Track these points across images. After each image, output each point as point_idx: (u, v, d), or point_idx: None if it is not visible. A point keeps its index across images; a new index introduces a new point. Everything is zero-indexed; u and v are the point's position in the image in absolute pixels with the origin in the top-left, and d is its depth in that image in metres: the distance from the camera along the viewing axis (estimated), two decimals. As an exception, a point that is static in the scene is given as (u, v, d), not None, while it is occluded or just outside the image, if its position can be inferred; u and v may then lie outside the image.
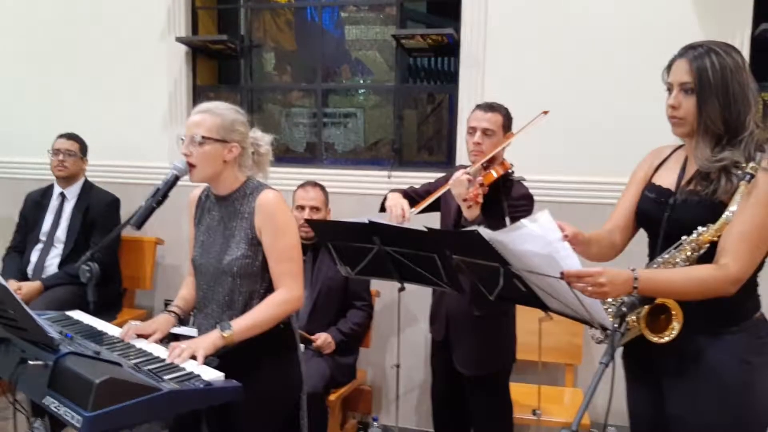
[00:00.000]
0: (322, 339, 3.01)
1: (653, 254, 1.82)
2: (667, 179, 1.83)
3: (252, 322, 2.01)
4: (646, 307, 1.69)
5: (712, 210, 1.65)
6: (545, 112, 2.66)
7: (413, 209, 2.62)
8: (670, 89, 1.75)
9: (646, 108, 3.13)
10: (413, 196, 2.79)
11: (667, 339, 1.67)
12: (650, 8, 3.15)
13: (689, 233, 1.66)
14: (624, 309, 1.51)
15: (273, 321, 2.06)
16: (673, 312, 1.66)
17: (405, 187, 3.42)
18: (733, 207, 1.60)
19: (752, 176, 1.58)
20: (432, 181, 2.91)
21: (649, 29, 3.15)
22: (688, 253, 1.64)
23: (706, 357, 1.70)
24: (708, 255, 1.65)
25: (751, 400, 1.70)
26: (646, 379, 1.87)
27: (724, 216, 1.59)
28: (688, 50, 1.72)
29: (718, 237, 1.61)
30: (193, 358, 1.89)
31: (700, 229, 1.63)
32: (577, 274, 1.54)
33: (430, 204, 2.72)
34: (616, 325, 1.51)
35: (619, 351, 1.94)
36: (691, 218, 1.68)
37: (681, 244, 1.66)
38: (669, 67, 1.77)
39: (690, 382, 1.72)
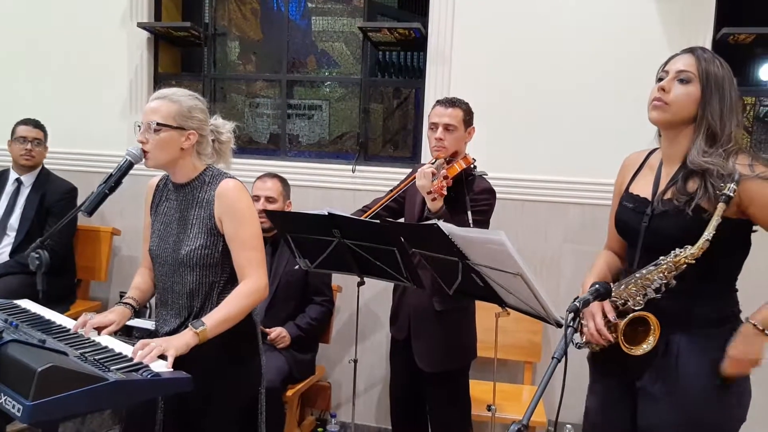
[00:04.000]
0: (276, 333, 2.97)
1: (632, 262, 1.83)
2: (643, 188, 1.84)
3: (224, 316, 1.97)
4: (626, 319, 1.72)
5: (690, 220, 1.67)
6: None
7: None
8: (662, 78, 1.76)
9: (610, 108, 3.18)
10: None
11: (641, 352, 1.70)
12: (614, 10, 3.19)
13: (668, 243, 1.67)
14: (577, 304, 1.51)
15: (243, 312, 2.02)
16: (651, 326, 1.69)
17: (369, 181, 3.43)
18: (707, 233, 1.61)
19: (729, 198, 1.61)
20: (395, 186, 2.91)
21: (613, 31, 3.18)
22: (666, 273, 1.66)
23: (686, 358, 1.72)
24: (686, 274, 1.66)
25: (727, 401, 1.72)
26: (616, 381, 1.86)
27: (701, 240, 1.61)
28: (695, 49, 1.75)
29: (695, 260, 1.63)
30: (163, 357, 1.83)
31: (677, 250, 1.65)
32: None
33: (394, 209, 2.76)
34: (569, 321, 1.50)
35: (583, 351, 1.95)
36: (669, 229, 1.70)
37: (659, 263, 1.67)
38: (667, 62, 1.79)
39: (668, 383, 1.73)
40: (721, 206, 1.61)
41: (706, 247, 1.61)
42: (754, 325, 1.66)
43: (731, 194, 1.60)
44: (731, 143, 1.70)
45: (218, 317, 1.96)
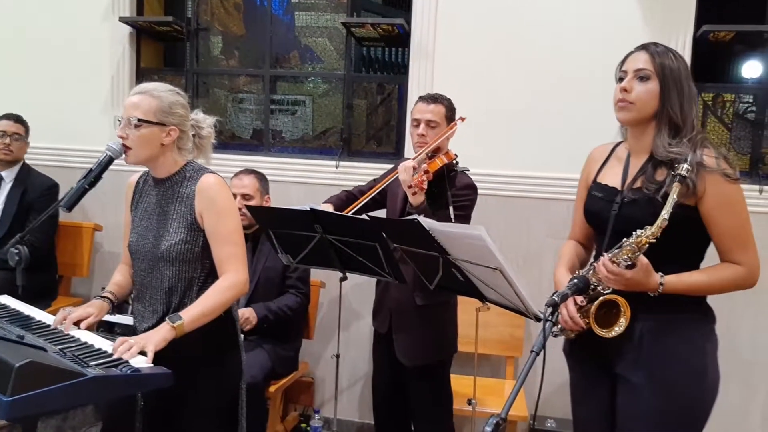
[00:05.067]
0: (240, 313, 2.81)
1: (600, 249, 1.85)
2: (612, 178, 1.87)
3: (202, 311, 1.96)
4: (596, 303, 1.73)
5: (659, 207, 1.68)
6: (462, 119, 2.69)
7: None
8: (622, 78, 1.80)
9: (592, 105, 3.20)
10: (357, 196, 2.80)
11: (613, 334, 1.71)
12: (596, 7, 3.21)
13: (637, 229, 1.68)
14: (555, 298, 1.52)
15: (222, 307, 2.01)
16: (622, 309, 1.70)
17: (352, 177, 3.43)
18: (665, 211, 1.63)
19: (683, 177, 1.64)
20: (378, 177, 2.91)
21: (595, 28, 3.20)
22: (630, 254, 1.67)
23: (663, 345, 1.75)
24: (649, 259, 1.67)
25: (704, 385, 1.75)
26: (596, 371, 1.88)
27: (659, 219, 1.63)
28: (648, 46, 1.79)
29: (655, 239, 1.64)
30: (143, 354, 1.82)
31: (638, 231, 1.67)
32: (613, 273, 1.68)
33: (377, 201, 2.74)
34: (548, 315, 1.51)
35: (558, 343, 1.96)
36: (639, 215, 1.73)
37: (622, 245, 1.69)
38: (623, 61, 1.83)
39: (646, 368, 1.75)
40: (676, 186, 1.64)
41: (665, 225, 1.63)
42: (661, 284, 1.68)
43: (684, 174, 1.64)
44: (694, 131, 1.74)
45: (196, 312, 1.95)
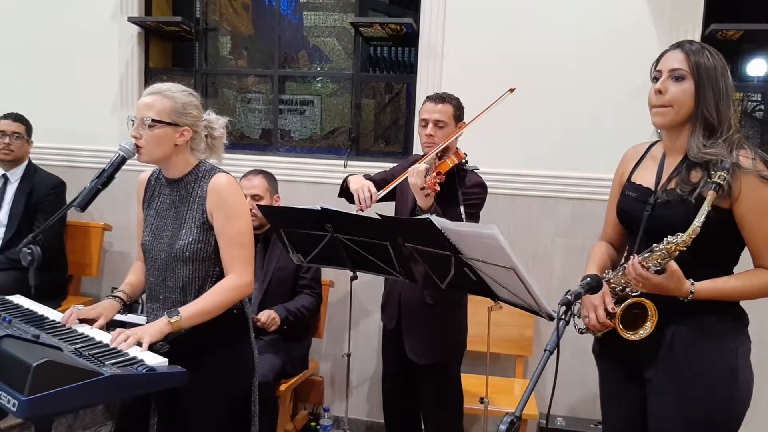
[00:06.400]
0: (265, 316, 2.91)
1: (632, 248, 1.83)
2: (646, 178, 1.85)
3: (200, 309, 1.99)
4: (622, 305, 1.73)
5: (693, 209, 1.66)
6: (511, 90, 2.67)
7: (380, 192, 2.62)
8: (657, 78, 1.77)
9: (600, 104, 3.20)
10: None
11: (638, 337, 1.71)
12: (605, 7, 3.20)
13: (669, 231, 1.66)
14: (569, 297, 1.52)
15: (222, 307, 2.03)
16: (649, 312, 1.69)
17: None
18: (698, 219, 1.60)
19: (719, 185, 1.61)
20: (387, 169, 2.91)
21: (603, 27, 3.20)
22: (660, 260, 1.65)
23: (693, 349, 1.72)
24: (681, 262, 1.65)
25: (736, 387, 1.72)
26: (626, 374, 1.86)
27: (691, 228, 1.61)
28: (683, 44, 1.75)
29: (686, 247, 1.62)
30: (140, 345, 1.86)
31: (669, 237, 1.64)
32: (641, 276, 1.66)
33: (389, 191, 2.72)
34: (562, 314, 1.51)
35: (583, 344, 1.95)
36: (672, 217, 1.71)
37: (653, 250, 1.67)
38: (658, 59, 1.79)
39: (677, 372, 1.73)
40: (711, 194, 1.61)
41: (697, 234, 1.60)
42: (691, 291, 1.66)
43: (721, 182, 1.61)
44: (731, 130, 1.71)
45: (194, 309, 1.98)
